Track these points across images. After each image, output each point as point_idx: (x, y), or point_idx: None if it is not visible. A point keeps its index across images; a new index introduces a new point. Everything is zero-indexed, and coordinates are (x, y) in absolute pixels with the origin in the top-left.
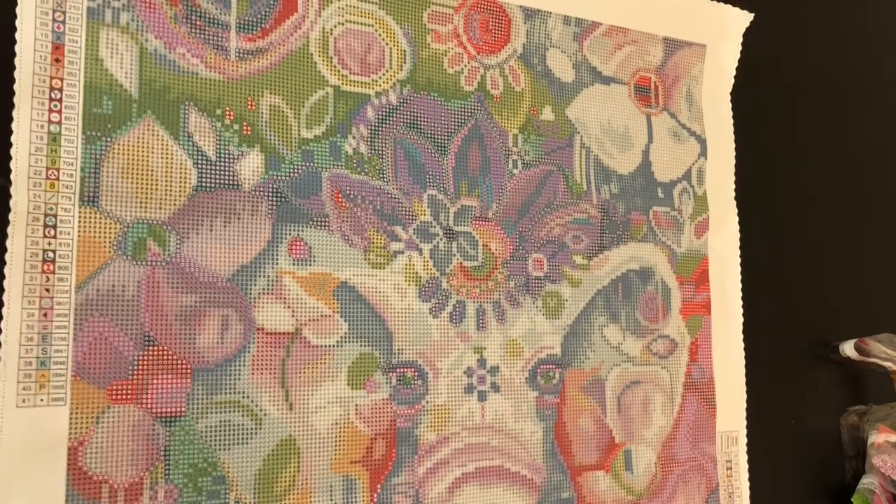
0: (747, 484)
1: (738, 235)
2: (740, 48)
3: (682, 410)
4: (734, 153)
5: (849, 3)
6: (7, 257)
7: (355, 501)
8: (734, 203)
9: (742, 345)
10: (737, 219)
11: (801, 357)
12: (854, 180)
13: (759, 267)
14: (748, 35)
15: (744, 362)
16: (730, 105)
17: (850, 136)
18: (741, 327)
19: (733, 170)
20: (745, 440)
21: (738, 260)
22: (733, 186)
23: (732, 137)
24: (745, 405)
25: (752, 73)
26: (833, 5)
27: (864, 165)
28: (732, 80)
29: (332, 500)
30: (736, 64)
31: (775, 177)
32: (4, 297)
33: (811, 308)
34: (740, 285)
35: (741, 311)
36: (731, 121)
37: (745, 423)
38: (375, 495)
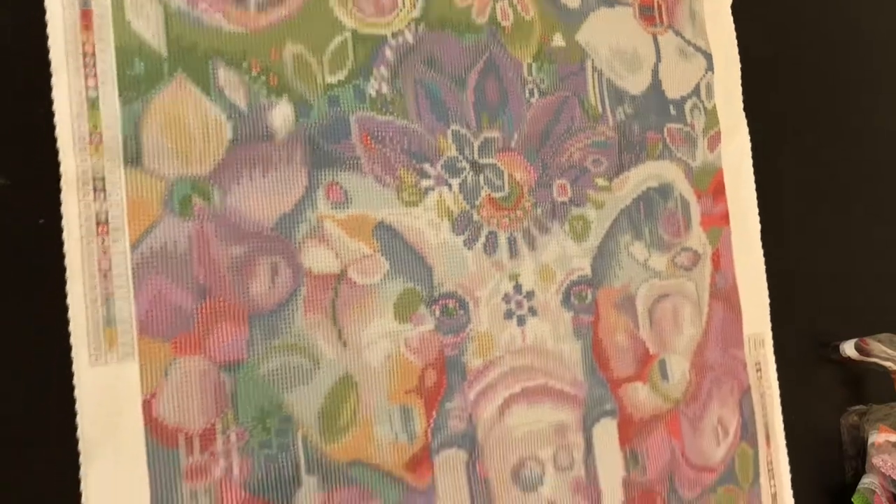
0: (776, 384)
1: (750, 146)
2: None
3: (710, 318)
4: (739, 64)
5: None
6: (63, 223)
7: (413, 427)
8: (743, 114)
9: (761, 250)
10: (747, 129)
11: (801, 357)
12: (853, 181)
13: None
14: None
15: (764, 267)
16: (731, 17)
17: (850, 135)
18: (759, 234)
19: (739, 80)
20: (772, 342)
21: (752, 169)
22: (741, 97)
23: (736, 49)
24: (768, 308)
25: None
26: None
27: (864, 166)
28: None
29: (392, 429)
30: None
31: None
32: (66, 262)
33: (811, 308)
34: (755, 194)
35: (758, 218)
36: (734, 33)
37: (769, 325)
38: (432, 420)
